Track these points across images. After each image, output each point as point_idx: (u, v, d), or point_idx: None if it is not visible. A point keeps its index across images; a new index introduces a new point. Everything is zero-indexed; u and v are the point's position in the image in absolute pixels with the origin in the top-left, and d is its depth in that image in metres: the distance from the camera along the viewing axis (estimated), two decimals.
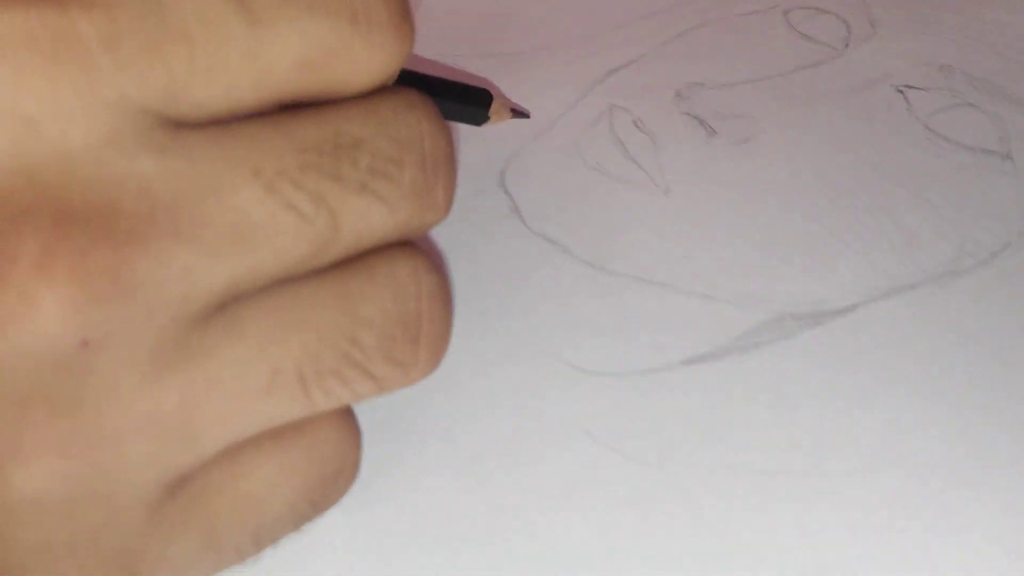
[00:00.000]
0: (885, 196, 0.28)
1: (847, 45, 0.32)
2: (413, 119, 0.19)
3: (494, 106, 0.27)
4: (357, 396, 0.19)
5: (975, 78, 0.31)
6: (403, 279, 0.19)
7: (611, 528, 0.22)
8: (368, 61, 0.18)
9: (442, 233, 0.28)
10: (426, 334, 0.20)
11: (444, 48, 0.34)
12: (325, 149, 0.18)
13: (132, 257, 0.16)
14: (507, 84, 0.32)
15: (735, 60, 0.32)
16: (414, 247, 0.20)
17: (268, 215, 0.17)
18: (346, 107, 0.18)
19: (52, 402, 0.16)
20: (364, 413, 0.24)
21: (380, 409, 0.24)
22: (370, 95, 0.19)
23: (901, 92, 0.31)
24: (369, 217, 0.18)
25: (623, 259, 0.27)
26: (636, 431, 0.23)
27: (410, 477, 0.23)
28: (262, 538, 0.20)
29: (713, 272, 0.27)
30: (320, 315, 0.18)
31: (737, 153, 0.29)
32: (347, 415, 0.21)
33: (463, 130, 0.31)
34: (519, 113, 0.28)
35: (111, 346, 0.16)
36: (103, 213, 0.16)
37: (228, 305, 0.17)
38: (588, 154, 0.30)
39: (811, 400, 0.24)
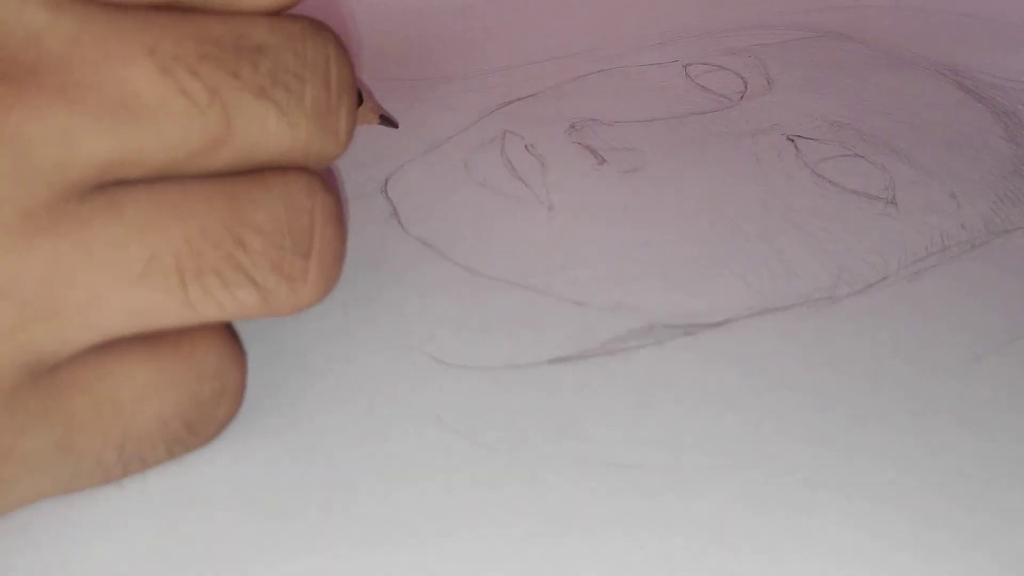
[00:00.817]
0: (767, 227, 0.28)
1: (742, 98, 0.33)
2: (320, 41, 0.19)
3: (362, 108, 0.27)
4: (240, 306, 0.18)
5: (864, 133, 0.31)
6: (296, 192, 0.19)
7: (450, 509, 0.21)
8: None
9: None
10: (318, 251, 0.19)
11: None
12: (226, 45, 0.17)
13: (9, 102, 0.15)
14: (403, 106, 0.32)
15: (631, 102, 0.32)
16: (310, 171, 0.19)
17: (158, 96, 0.16)
18: (253, 16, 0.18)
19: None
20: None
21: None
22: (278, 15, 0.19)
23: (792, 140, 0.31)
24: (266, 125, 0.18)
25: (499, 265, 0.26)
26: (489, 421, 0.22)
27: (249, 455, 0.22)
28: (128, 454, 0.19)
29: (588, 281, 0.26)
30: (206, 210, 0.18)
31: (624, 180, 0.29)
32: (231, 336, 0.20)
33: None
34: (387, 120, 0.28)
35: None
36: None
37: (109, 187, 0.17)
38: (475, 171, 0.29)
39: (674, 402, 0.23)
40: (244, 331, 0.23)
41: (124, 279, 0.17)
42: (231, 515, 0.20)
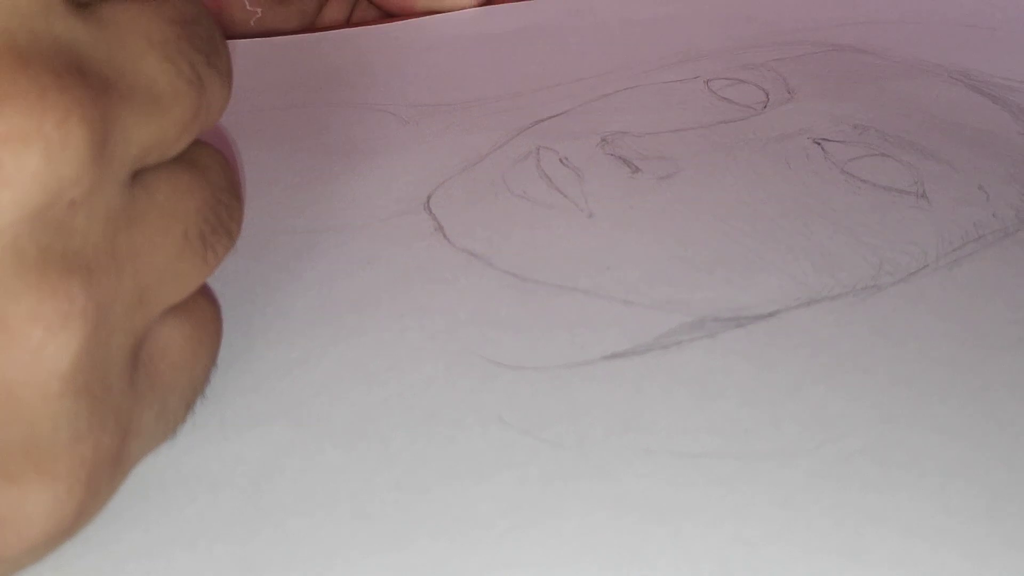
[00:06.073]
0: (804, 224, 0.27)
1: (765, 107, 0.32)
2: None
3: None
4: (223, 255, 0.20)
5: (888, 135, 0.31)
6: (220, 156, 0.20)
7: (522, 505, 0.20)
8: None
9: (364, 247, 0.27)
10: (240, 197, 0.21)
11: (378, 98, 0.33)
12: (183, 22, 0.18)
13: (109, 114, 0.16)
14: (437, 128, 0.31)
15: (657, 115, 0.32)
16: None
17: (168, 82, 0.17)
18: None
19: (64, 262, 0.16)
20: (278, 393, 0.22)
21: (286, 396, 0.22)
22: None
23: (818, 144, 0.30)
24: (214, 88, 0.18)
25: (545, 270, 0.26)
26: (552, 418, 0.21)
27: (316, 458, 0.21)
28: (188, 405, 0.21)
29: (635, 281, 0.25)
30: (197, 181, 0.19)
31: (660, 187, 0.28)
32: (212, 294, 0.22)
33: (393, 161, 0.30)
34: None
35: (87, 207, 0.16)
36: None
37: (138, 174, 0.18)
38: (514, 184, 0.29)
39: (732, 392, 0.22)
40: (302, 343, 0.23)
41: (172, 255, 0.18)
42: (308, 521, 0.19)
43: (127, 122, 0.16)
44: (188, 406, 0.21)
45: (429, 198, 0.28)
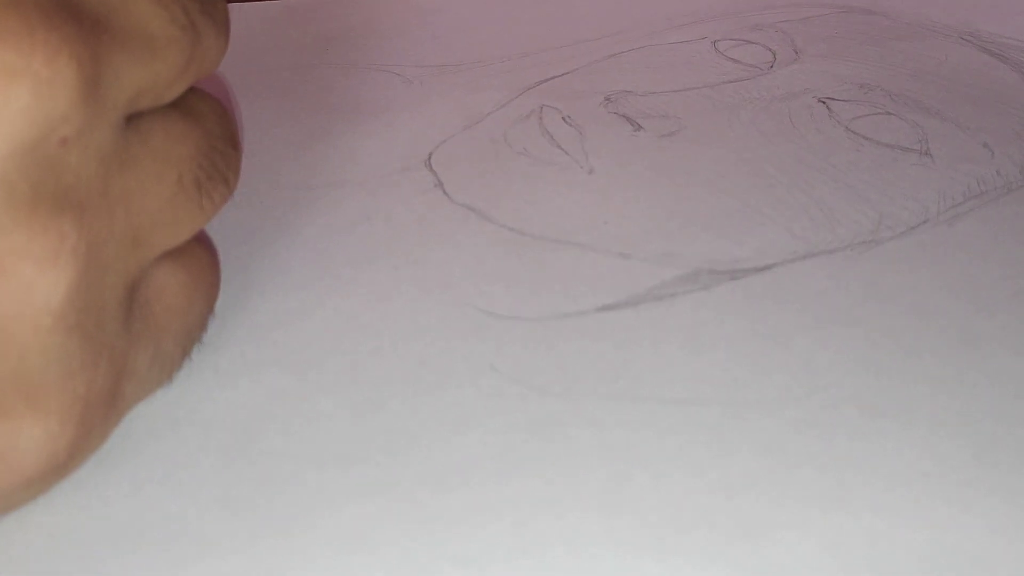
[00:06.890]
0: (805, 180, 0.27)
1: (772, 67, 0.32)
2: None
3: None
4: (220, 203, 0.20)
5: (894, 94, 0.30)
6: (218, 105, 0.20)
7: (511, 452, 0.20)
8: None
9: (363, 202, 0.27)
10: (238, 147, 0.21)
11: (383, 59, 0.34)
12: None
13: (100, 54, 0.16)
14: (442, 88, 0.32)
15: (663, 75, 0.32)
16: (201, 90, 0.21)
17: (160, 27, 0.17)
18: None
19: (56, 200, 0.16)
20: (272, 342, 0.23)
21: (281, 345, 0.23)
22: None
23: (823, 102, 0.30)
24: (209, 37, 0.19)
25: (543, 225, 0.26)
26: (543, 366, 0.22)
27: (307, 404, 0.21)
28: (184, 351, 0.21)
29: (632, 235, 0.25)
30: (193, 128, 0.19)
31: (662, 144, 0.28)
32: (211, 243, 0.22)
33: (396, 120, 0.30)
34: None
35: (79, 146, 0.16)
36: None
37: (132, 119, 0.18)
38: (515, 142, 0.29)
39: (723, 343, 0.22)
40: (299, 294, 0.23)
41: (166, 199, 0.18)
42: (297, 466, 0.20)
43: (119, 64, 0.17)
44: (184, 352, 0.21)
45: (430, 155, 0.28)
